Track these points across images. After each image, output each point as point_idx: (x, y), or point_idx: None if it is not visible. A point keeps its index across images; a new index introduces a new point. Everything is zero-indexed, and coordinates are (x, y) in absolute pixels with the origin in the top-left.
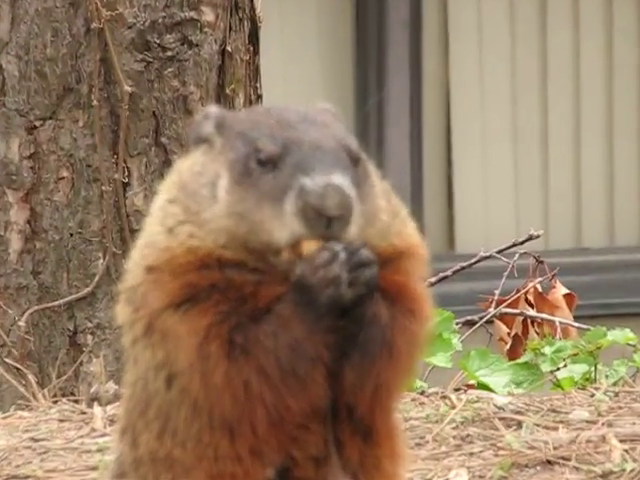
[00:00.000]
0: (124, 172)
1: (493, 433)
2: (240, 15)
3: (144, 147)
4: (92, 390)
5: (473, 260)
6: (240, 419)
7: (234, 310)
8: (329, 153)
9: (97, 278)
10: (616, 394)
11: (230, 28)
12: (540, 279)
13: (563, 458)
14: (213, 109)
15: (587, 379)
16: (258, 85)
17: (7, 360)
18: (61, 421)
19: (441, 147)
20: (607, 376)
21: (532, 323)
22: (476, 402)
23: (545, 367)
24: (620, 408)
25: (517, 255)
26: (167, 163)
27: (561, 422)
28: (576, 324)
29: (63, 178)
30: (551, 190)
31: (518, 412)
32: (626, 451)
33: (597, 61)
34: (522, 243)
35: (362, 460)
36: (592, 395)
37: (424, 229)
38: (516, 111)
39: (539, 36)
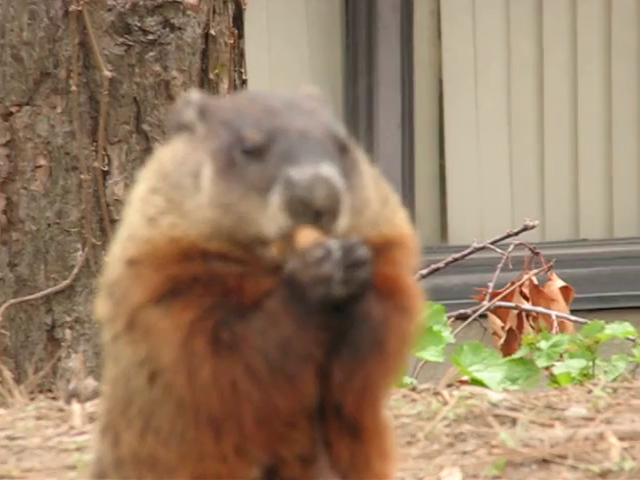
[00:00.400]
0: (104, 160)
1: (487, 430)
2: None
3: (125, 134)
4: (70, 386)
5: (466, 251)
6: (226, 417)
7: (219, 304)
8: (316, 142)
9: (76, 270)
10: (615, 390)
11: (214, 11)
12: (535, 271)
13: (559, 456)
14: (195, 94)
15: (585, 375)
16: (243, 70)
17: None
18: (38, 418)
19: (433, 134)
20: (606, 372)
21: (527, 317)
22: (469, 398)
23: (541, 362)
24: (619, 405)
25: (512, 246)
26: (148, 151)
27: (557, 419)
28: (573, 318)
29: (40, 166)
30: (547, 179)
31: (513, 409)
32: (625, 449)
33: (595, 45)
34: (517, 234)
35: (351, 459)
36: (590, 391)
37: (415, 219)
38: (511, 97)
39: (535, 20)
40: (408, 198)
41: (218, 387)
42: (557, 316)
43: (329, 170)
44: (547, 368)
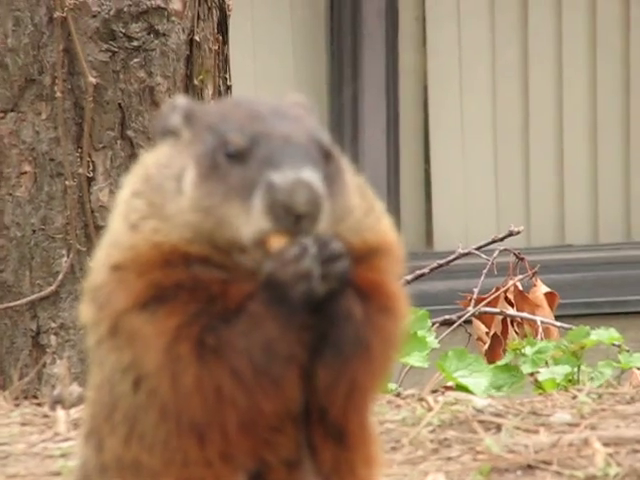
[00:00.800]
0: (89, 166)
1: (472, 436)
2: (209, 3)
3: (109, 140)
4: (55, 393)
5: (451, 257)
6: (210, 423)
7: (204, 310)
8: (299, 147)
9: (61, 276)
10: (599, 396)
11: (198, 17)
12: (520, 277)
13: (544, 462)
14: (180, 100)
15: (570, 380)
16: (227, 76)
17: None
18: (23, 425)
19: (418, 140)
20: (592, 378)
21: (512, 323)
22: (454, 404)
23: (526, 368)
24: (603, 410)
25: (497, 252)
26: (133, 157)
27: (542, 425)
28: (558, 323)
29: (25, 173)
30: (533, 185)
31: (498, 415)
32: (610, 455)
33: (580, 50)
34: (502, 239)
35: (336, 464)
36: (574, 397)
37: (401, 225)
38: (496, 103)
39: (520, 26)
40: (393, 204)
41: (202, 392)
42: (542, 322)
43: (311, 175)
44: (532, 374)
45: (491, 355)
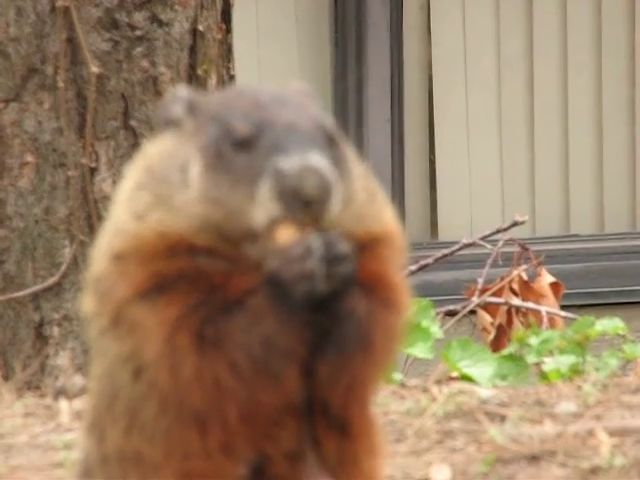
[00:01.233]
0: (91, 156)
1: (476, 427)
2: None
3: (112, 130)
4: (58, 384)
5: (455, 247)
6: (210, 414)
7: (204, 301)
8: (305, 133)
9: (64, 267)
10: (604, 386)
11: (202, 6)
12: (525, 267)
13: (549, 453)
14: (182, 90)
15: (575, 371)
16: (231, 65)
17: None
18: (26, 416)
19: (423, 129)
20: (597, 368)
21: (517, 313)
22: (458, 395)
23: (531, 358)
24: (609, 401)
25: (501, 242)
26: (136, 147)
27: (547, 415)
28: (563, 313)
29: (28, 163)
30: (538, 175)
31: (502, 405)
32: (615, 446)
33: (586, 41)
34: (506, 229)
35: (339, 456)
36: (579, 387)
37: (405, 215)
38: (501, 93)
39: (525, 15)
40: (398, 194)
41: (201, 383)
42: (547, 312)
43: (318, 160)
44: (537, 364)
45: (496, 345)
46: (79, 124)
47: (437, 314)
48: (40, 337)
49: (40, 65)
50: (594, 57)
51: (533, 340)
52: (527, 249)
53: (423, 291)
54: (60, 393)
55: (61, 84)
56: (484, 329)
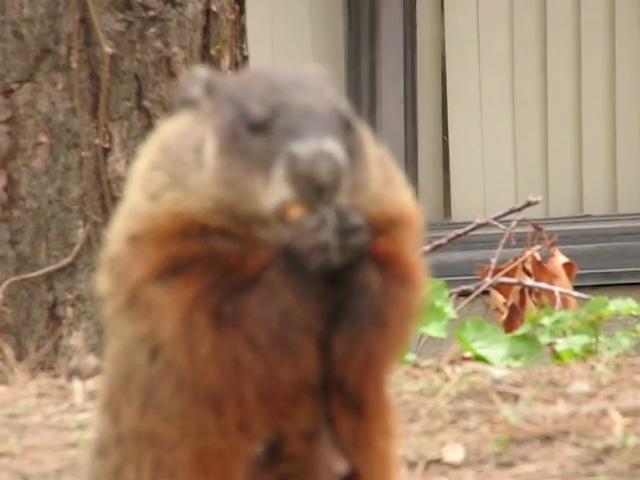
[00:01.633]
0: (105, 137)
1: (490, 407)
2: None
3: (126, 111)
4: (72, 364)
5: (469, 227)
6: (227, 392)
7: (220, 281)
8: (320, 118)
9: (77, 248)
10: (618, 366)
11: None
12: (538, 247)
13: (562, 433)
14: (202, 71)
15: (588, 351)
16: (244, 46)
17: None
18: (39, 396)
19: (436, 110)
20: (609, 348)
21: (530, 293)
22: (472, 375)
23: (544, 339)
24: (622, 381)
25: (514, 222)
26: (149, 127)
27: (560, 395)
28: (576, 293)
29: (41, 143)
30: (551, 155)
31: (516, 385)
32: (628, 426)
33: (599, 21)
34: (520, 209)
35: (354, 436)
36: (592, 367)
37: (419, 196)
38: (514, 72)
39: None
40: (411, 175)
41: (218, 362)
42: (560, 292)
43: (332, 145)
44: (550, 344)
45: (509, 326)
46: (92, 105)
47: (450, 294)
48: (53, 317)
49: (54, 46)
50: (608, 37)
51: (546, 320)
52: (540, 229)
53: (436, 271)
54: (73, 373)
55: (74, 65)
56: (497, 309)
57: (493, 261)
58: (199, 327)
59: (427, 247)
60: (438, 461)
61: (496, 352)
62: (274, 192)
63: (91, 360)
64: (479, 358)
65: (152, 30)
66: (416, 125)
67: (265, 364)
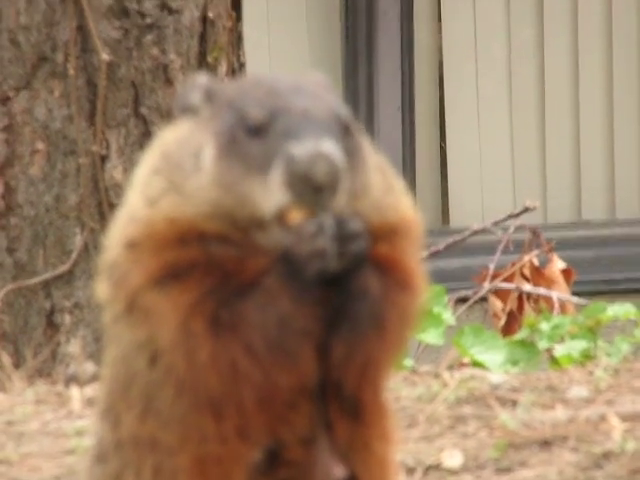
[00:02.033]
0: (102, 144)
1: (488, 412)
2: None
3: (123, 118)
4: (69, 371)
5: (466, 233)
6: (226, 398)
7: (218, 287)
8: (318, 121)
9: (75, 255)
10: (616, 371)
11: None
12: (536, 252)
13: (561, 438)
14: (201, 78)
15: (586, 356)
16: (241, 53)
17: None
18: (37, 403)
19: (434, 116)
20: (609, 354)
21: (528, 298)
22: (470, 380)
23: (542, 344)
24: (620, 386)
25: (512, 228)
26: (147, 134)
27: (559, 401)
28: (574, 299)
29: (38, 151)
30: (549, 162)
31: (514, 390)
32: (627, 430)
33: (597, 27)
34: (518, 215)
35: (351, 441)
36: (591, 372)
37: (417, 203)
38: (512, 79)
39: (536, 2)
40: (409, 182)
41: (217, 368)
42: (558, 298)
43: (330, 146)
44: (548, 350)
45: (507, 331)
46: (89, 112)
47: (448, 301)
48: (51, 325)
49: (50, 53)
50: (605, 45)
51: (544, 326)
52: (538, 235)
53: (434, 278)
54: (71, 380)
55: (71, 72)
56: (495, 315)
57: (491, 267)
58: (197, 333)
59: (425, 253)
60: (437, 467)
61: (494, 358)
62: (272, 194)
63: (89, 367)
64: (477, 364)
65: (149, 37)
66: (414, 132)
67: (263, 370)
